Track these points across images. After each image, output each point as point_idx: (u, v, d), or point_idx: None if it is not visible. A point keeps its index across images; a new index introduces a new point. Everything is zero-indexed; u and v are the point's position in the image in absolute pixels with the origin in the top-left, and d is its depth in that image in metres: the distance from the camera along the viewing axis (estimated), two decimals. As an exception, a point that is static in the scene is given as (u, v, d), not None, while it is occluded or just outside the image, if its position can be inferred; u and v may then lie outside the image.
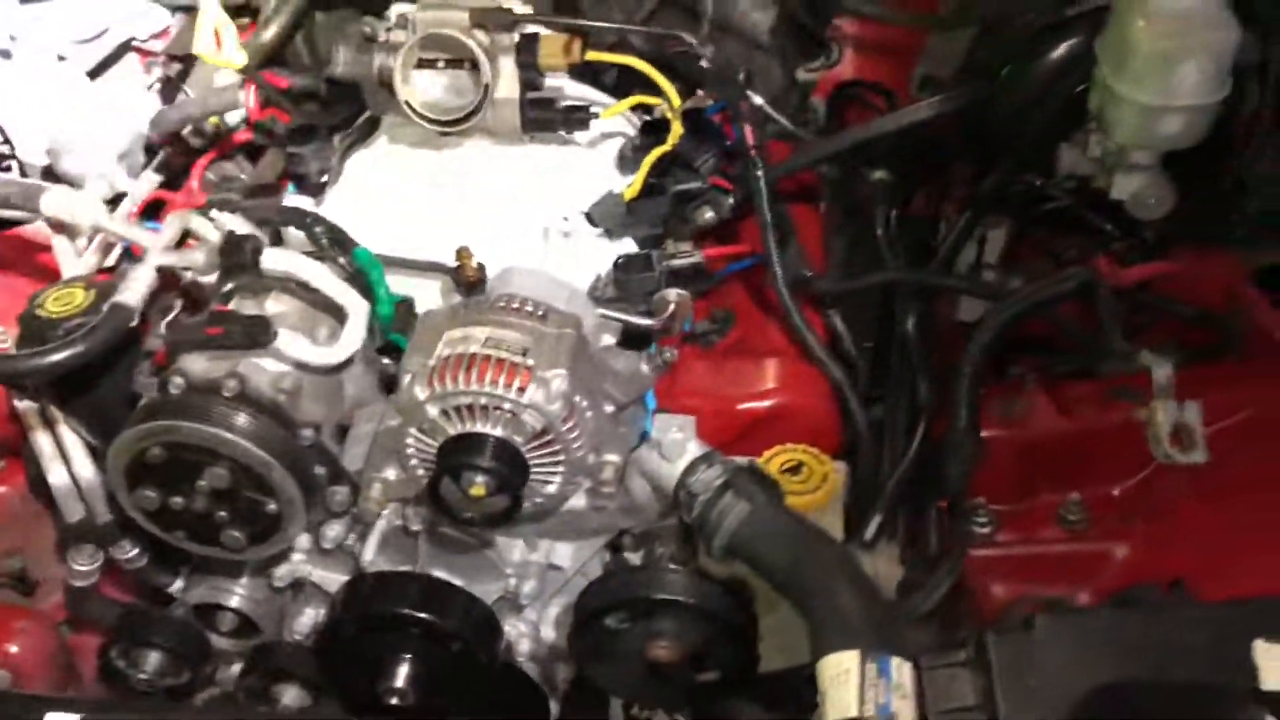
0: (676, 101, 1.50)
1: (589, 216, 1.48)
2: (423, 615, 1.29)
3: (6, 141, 1.66)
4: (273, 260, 1.25)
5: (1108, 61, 1.41)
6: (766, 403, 1.39)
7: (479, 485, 1.18)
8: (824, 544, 1.08)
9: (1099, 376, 1.43)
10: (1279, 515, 1.28)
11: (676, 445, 1.22)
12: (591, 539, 1.44)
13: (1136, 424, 1.40)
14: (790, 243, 1.56)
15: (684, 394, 1.40)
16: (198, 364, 1.23)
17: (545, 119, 1.53)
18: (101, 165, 1.57)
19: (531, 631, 1.43)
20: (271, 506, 1.23)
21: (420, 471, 1.25)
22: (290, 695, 1.47)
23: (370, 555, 1.30)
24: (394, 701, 1.31)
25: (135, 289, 1.20)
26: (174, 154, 1.64)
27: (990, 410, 1.45)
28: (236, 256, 1.22)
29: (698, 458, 1.21)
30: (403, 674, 1.31)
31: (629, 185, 1.48)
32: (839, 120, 1.81)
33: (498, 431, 1.19)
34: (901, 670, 0.94)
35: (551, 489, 1.25)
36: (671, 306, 1.42)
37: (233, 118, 1.63)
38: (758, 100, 1.58)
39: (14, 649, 1.52)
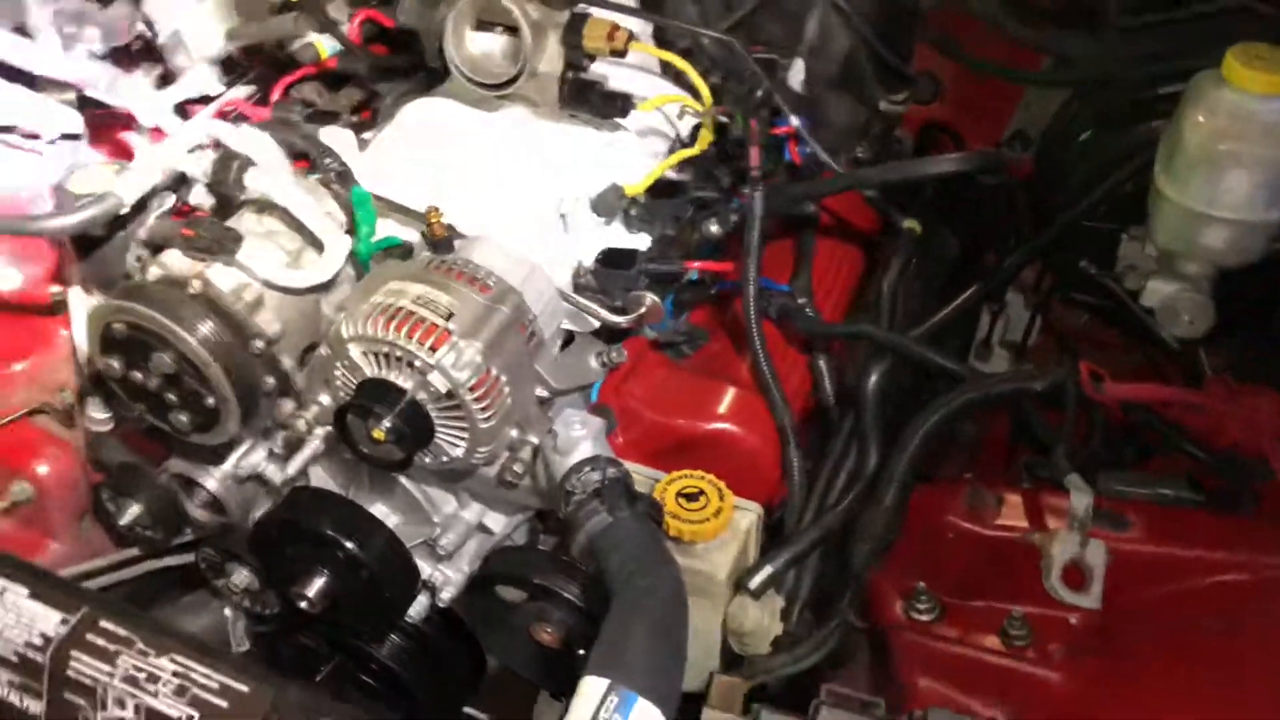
0: (708, 104, 1.48)
1: (591, 204, 1.49)
2: (336, 537, 1.37)
3: (150, 27, 1.83)
4: (254, 181, 1.33)
5: (1161, 154, 1.30)
6: (707, 426, 1.37)
7: (380, 430, 1.23)
8: (655, 575, 1.07)
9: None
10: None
11: (571, 441, 1.23)
12: (519, 512, 1.48)
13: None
14: (801, 274, 1.52)
15: (632, 396, 1.41)
16: (174, 259, 1.34)
17: (584, 99, 1.55)
18: (197, 64, 1.71)
19: (456, 580, 1.48)
20: (210, 401, 1.33)
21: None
22: (240, 576, 1.58)
23: (291, 471, 1.38)
24: (303, 606, 1.40)
25: (133, 181, 1.32)
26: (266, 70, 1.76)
27: (958, 497, 1.37)
28: (221, 171, 1.31)
29: (586, 459, 1.22)
30: (315, 585, 1.39)
31: (637, 182, 1.48)
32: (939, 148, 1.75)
33: (407, 385, 1.24)
34: (643, 714, 0.93)
35: (457, 453, 1.29)
36: (643, 308, 1.42)
37: (330, 44, 1.74)
38: (795, 122, 1.54)
39: (42, 470, 1.73)
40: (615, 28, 1.49)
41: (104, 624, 0.87)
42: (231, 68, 1.77)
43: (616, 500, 1.16)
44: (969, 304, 1.45)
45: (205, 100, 1.73)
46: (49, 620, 0.88)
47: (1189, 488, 1.33)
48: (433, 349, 1.23)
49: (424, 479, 1.44)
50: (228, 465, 1.52)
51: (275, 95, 1.72)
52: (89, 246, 1.39)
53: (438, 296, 1.27)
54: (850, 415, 1.40)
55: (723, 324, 1.51)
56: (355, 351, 1.26)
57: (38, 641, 0.88)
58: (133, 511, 1.56)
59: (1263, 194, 1.21)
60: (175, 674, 0.84)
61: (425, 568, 1.48)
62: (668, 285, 1.45)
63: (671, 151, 1.57)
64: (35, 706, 0.88)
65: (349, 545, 1.36)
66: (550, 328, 1.38)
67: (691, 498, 1.26)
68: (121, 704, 0.84)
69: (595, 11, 1.53)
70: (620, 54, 1.51)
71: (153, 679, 0.84)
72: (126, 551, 1.70)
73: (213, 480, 1.56)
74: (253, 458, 1.50)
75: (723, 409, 1.37)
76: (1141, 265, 1.34)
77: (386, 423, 1.23)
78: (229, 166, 1.33)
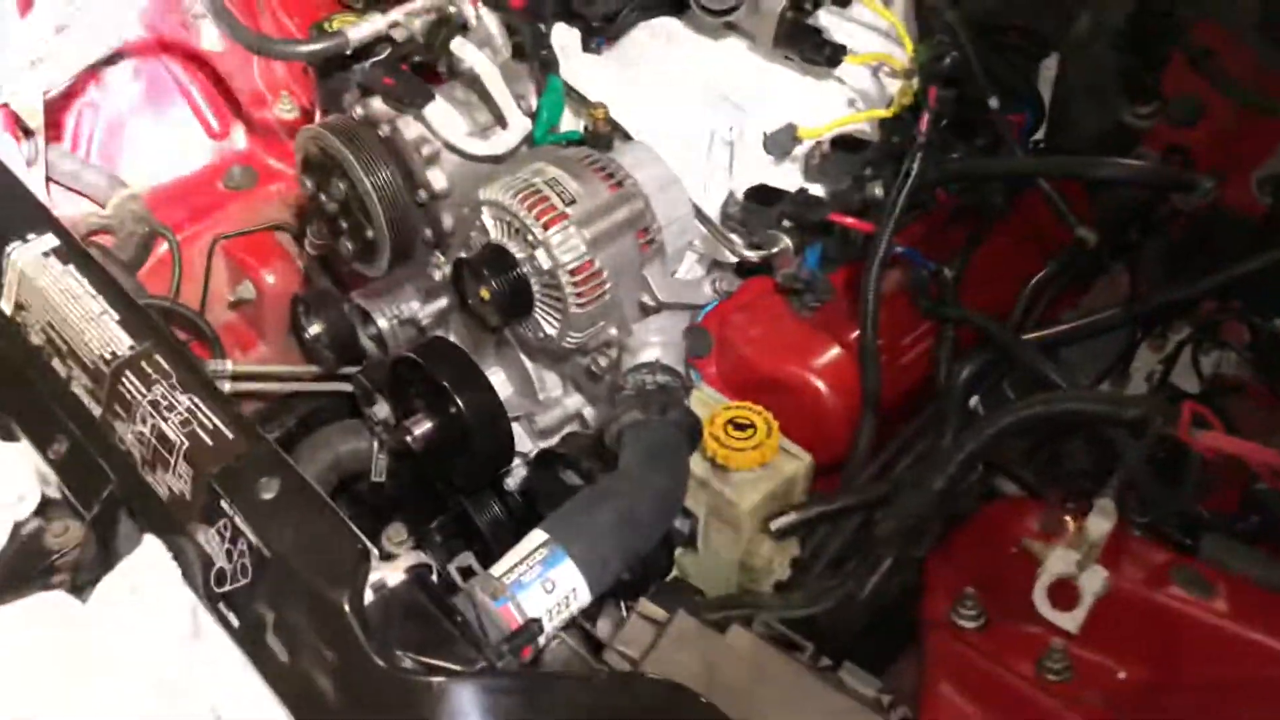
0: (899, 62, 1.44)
1: (765, 139, 1.50)
2: (444, 384, 1.48)
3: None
4: (458, 48, 1.45)
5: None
6: (794, 371, 1.35)
7: (485, 290, 1.33)
8: (647, 474, 1.10)
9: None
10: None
11: (640, 343, 1.27)
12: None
13: (1170, 609, 1.17)
14: (957, 257, 1.45)
15: (735, 327, 1.41)
16: (376, 103, 1.49)
17: (797, 41, 1.55)
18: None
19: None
20: (369, 233, 1.49)
21: (476, 258, 1.42)
22: (381, 408, 1.75)
23: (424, 317, 1.50)
24: (408, 442, 1.54)
25: (362, 29, 1.48)
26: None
27: (1033, 515, 1.28)
28: (431, 34, 1.44)
29: (648, 362, 1.25)
30: (421, 426, 1.52)
31: (812, 129, 1.47)
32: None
33: (519, 255, 1.33)
34: (564, 574, 0.97)
35: (550, 332, 1.36)
36: (775, 248, 1.42)
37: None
38: (994, 104, 1.45)
39: (269, 278, 1.98)
40: (838, -26, 1.49)
41: (156, 357, 1.02)
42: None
43: (653, 404, 1.19)
44: (1109, 324, 1.32)
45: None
46: (122, 343, 1.05)
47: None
48: (545, 226, 1.30)
49: (538, 358, 1.52)
50: (394, 305, 1.69)
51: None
52: (322, 76, 1.58)
53: (568, 183, 1.34)
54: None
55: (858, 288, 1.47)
56: (487, 215, 1.36)
57: (108, 356, 1.04)
58: (315, 329, 1.76)
59: None
60: (187, 409, 0.98)
61: (528, 442, 1.57)
62: (811, 234, 1.43)
63: (868, 109, 1.54)
64: (96, 410, 1.05)
65: (454, 394, 1.47)
66: (676, 242, 1.41)
67: (741, 427, 1.26)
68: (144, 421, 0.99)
69: (829, -41, 1.53)
70: (842, 3, 1.50)
71: (170, 408, 0.98)
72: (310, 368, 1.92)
73: (382, 317, 1.73)
74: (413, 303, 1.65)
75: (815, 361, 1.35)
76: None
77: (492, 284, 1.32)
78: (439, 31, 1.46)
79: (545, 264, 1.31)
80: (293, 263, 2.00)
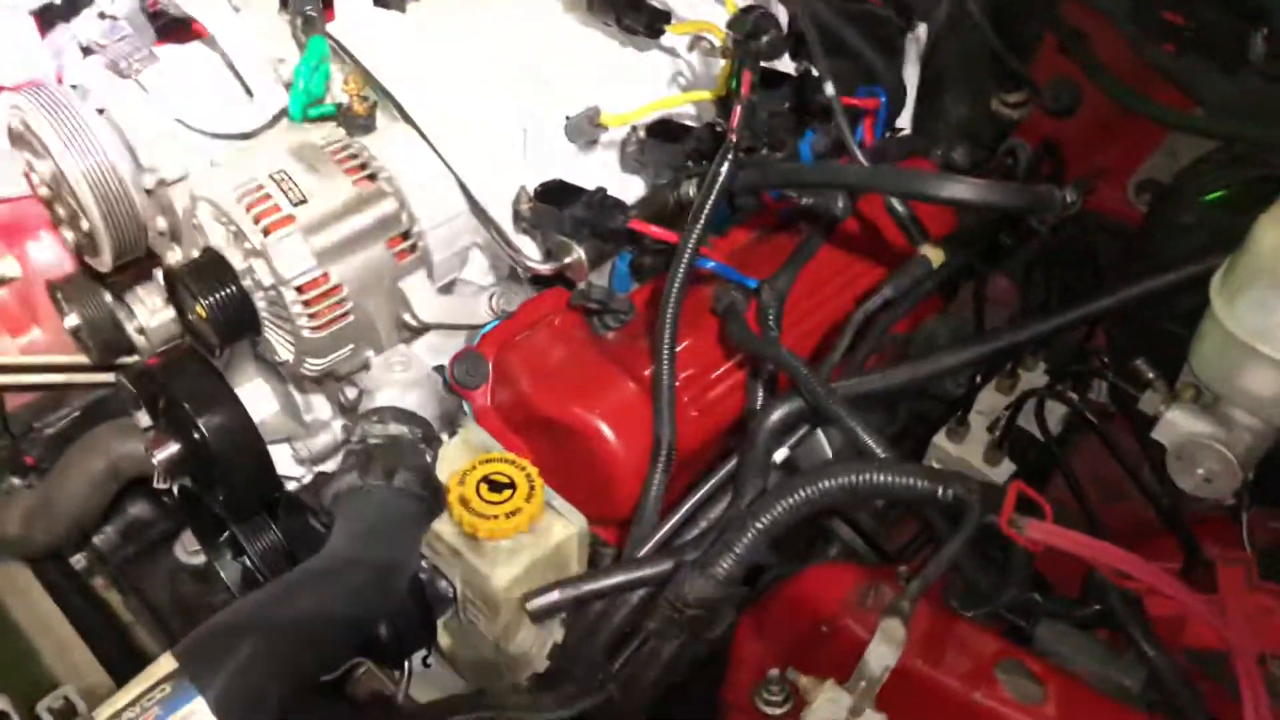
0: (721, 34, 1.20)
1: (566, 125, 1.26)
2: (181, 400, 1.24)
3: None
4: (188, 5, 1.20)
5: (1231, 256, 0.93)
6: (577, 414, 1.12)
7: (198, 307, 1.09)
8: (359, 563, 0.89)
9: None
10: None
11: (377, 381, 1.05)
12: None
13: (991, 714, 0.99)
14: (781, 275, 1.24)
15: (517, 354, 1.18)
16: (94, 65, 1.23)
17: (613, 5, 1.30)
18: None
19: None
20: (85, 225, 1.24)
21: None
22: (142, 417, 1.52)
23: (153, 322, 1.27)
24: (155, 466, 1.30)
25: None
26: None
27: (854, 586, 1.08)
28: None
29: (382, 408, 1.03)
30: (167, 450, 1.28)
31: (620, 114, 1.23)
32: (1036, 175, 1.39)
33: (239, 265, 1.09)
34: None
35: (285, 357, 1.13)
36: (567, 259, 1.19)
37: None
38: (830, 90, 1.23)
39: (37, 254, 1.71)
40: (653, -71, 1.24)
41: None
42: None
43: (375, 465, 0.97)
44: (950, 369, 1.10)
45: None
46: None
47: (1147, 680, 0.98)
48: (265, 232, 1.06)
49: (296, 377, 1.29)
50: (153, 298, 1.44)
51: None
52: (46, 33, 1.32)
53: (301, 178, 1.10)
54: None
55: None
56: (204, 213, 1.12)
57: None
58: (73, 320, 1.52)
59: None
60: None
61: (298, 469, 1.35)
62: (613, 240, 1.21)
63: (692, 89, 1.30)
64: None
65: (194, 418, 1.24)
66: (447, 249, 1.18)
67: (497, 487, 1.04)
68: None
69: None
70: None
71: None
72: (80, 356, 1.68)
73: (143, 310, 1.48)
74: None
75: (601, 401, 1.12)
76: (1182, 393, 0.98)
77: (206, 301, 1.08)
78: (165, -17, 1.20)
79: (266, 278, 1.07)
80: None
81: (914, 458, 1.31)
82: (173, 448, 1.28)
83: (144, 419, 1.48)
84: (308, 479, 1.36)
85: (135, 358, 1.56)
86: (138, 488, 1.67)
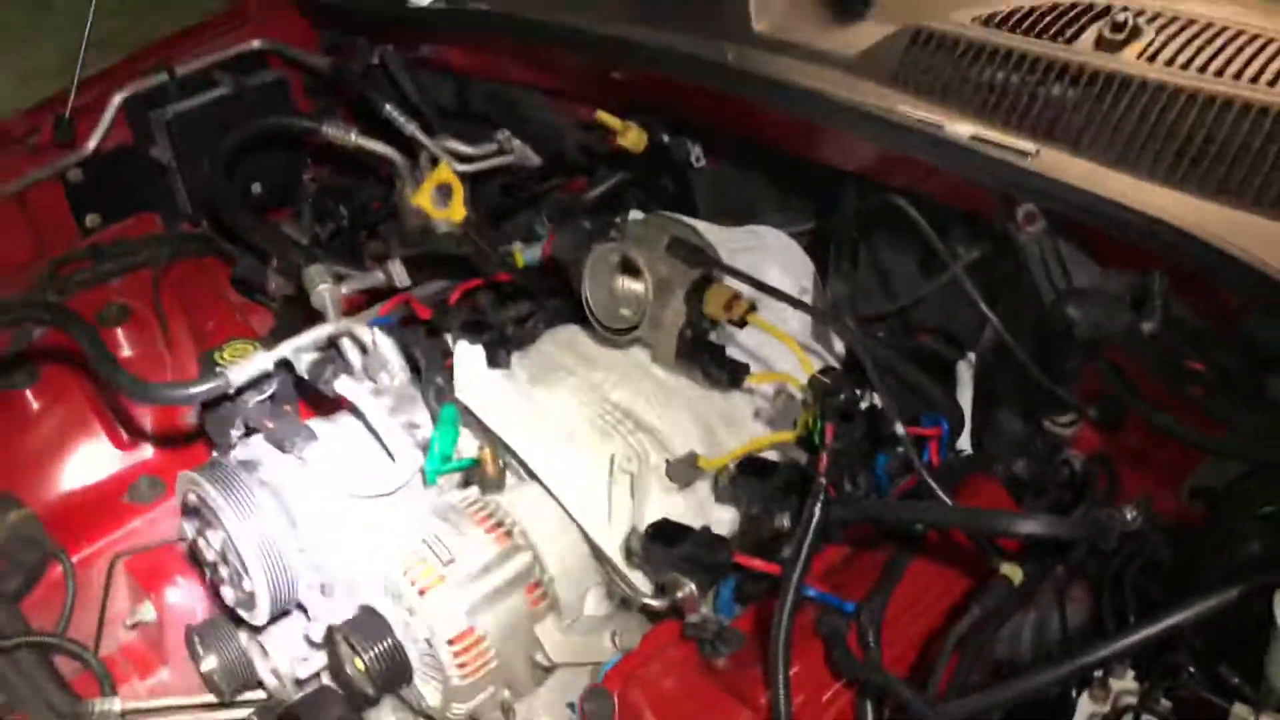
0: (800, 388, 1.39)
1: (667, 468, 1.42)
2: None
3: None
4: (342, 388, 1.40)
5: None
6: None
7: (357, 660, 1.22)
8: None
9: None
10: None
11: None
12: None
13: None
14: (875, 598, 1.34)
15: (639, 688, 1.27)
16: (257, 442, 1.42)
17: (696, 358, 1.50)
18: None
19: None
20: (247, 585, 1.39)
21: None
22: None
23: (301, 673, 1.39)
24: None
25: (246, 369, 1.43)
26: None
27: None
28: (315, 371, 1.39)
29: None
30: None
31: (715, 458, 1.40)
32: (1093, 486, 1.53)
33: (394, 620, 1.22)
34: None
35: (434, 703, 1.25)
36: (681, 594, 1.31)
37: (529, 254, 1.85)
38: (899, 430, 1.37)
39: (172, 599, 1.86)
40: (735, 296, 1.45)
41: None
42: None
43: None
44: (1049, 683, 1.19)
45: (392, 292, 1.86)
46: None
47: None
48: (421, 592, 1.21)
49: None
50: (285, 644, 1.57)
51: (454, 298, 1.83)
52: (208, 410, 1.52)
53: (448, 537, 1.25)
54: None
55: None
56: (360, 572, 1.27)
57: None
58: (209, 663, 1.64)
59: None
60: None
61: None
62: (718, 573, 1.34)
63: (777, 430, 1.47)
64: None
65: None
66: (571, 591, 1.32)
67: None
68: None
69: (728, 280, 1.50)
70: (737, 324, 1.46)
71: None
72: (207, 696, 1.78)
73: (279, 653, 1.61)
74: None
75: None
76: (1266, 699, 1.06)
77: (365, 655, 1.21)
78: (323, 369, 1.41)
79: (421, 633, 1.21)
80: (199, 579, 1.89)
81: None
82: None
83: (274, 758, 1.58)
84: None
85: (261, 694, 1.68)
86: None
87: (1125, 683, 1.23)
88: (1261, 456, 1.23)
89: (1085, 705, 1.25)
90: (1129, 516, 1.20)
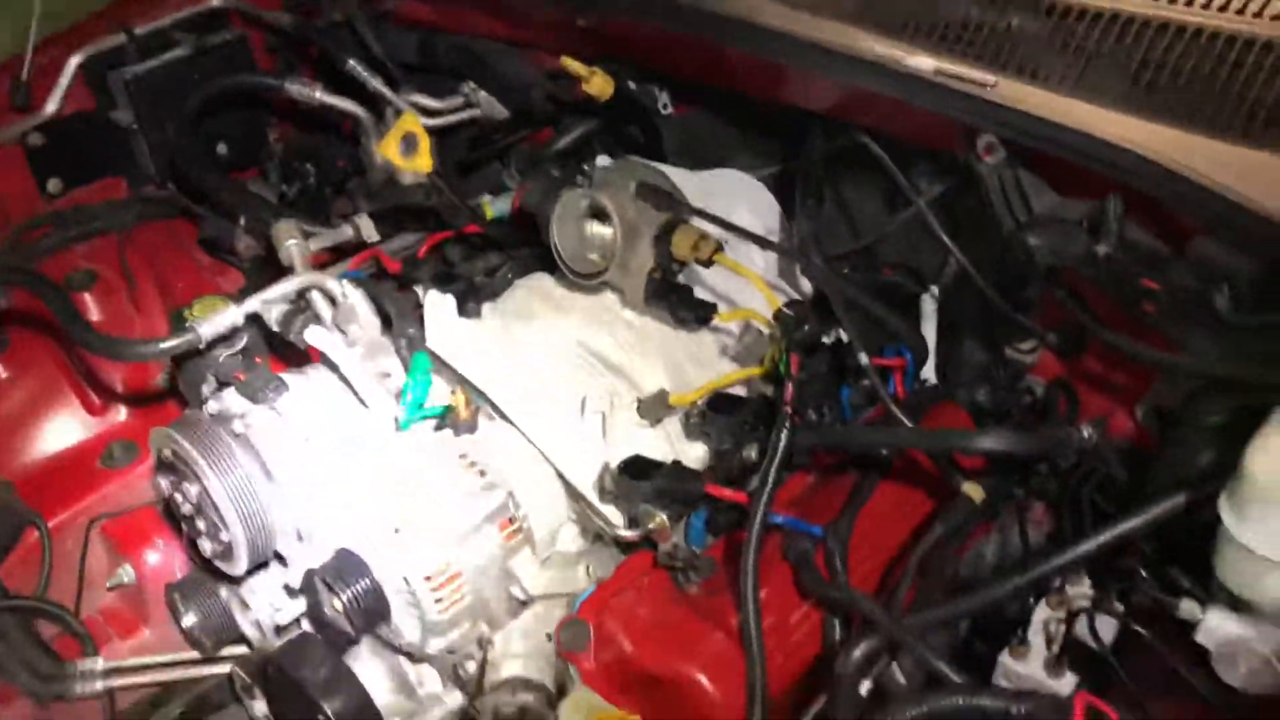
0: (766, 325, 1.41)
1: (639, 406, 1.44)
2: (307, 689, 1.36)
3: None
4: (312, 337, 1.40)
5: (1231, 480, 1.08)
6: (677, 668, 1.24)
7: (335, 600, 1.24)
8: None
9: None
10: None
11: (504, 656, 1.17)
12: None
13: None
14: (842, 521, 1.37)
15: (614, 617, 1.29)
16: (230, 395, 1.43)
17: (665, 299, 1.51)
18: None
19: None
20: (225, 536, 1.40)
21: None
22: (259, 706, 1.62)
23: (282, 619, 1.41)
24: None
25: (216, 323, 1.43)
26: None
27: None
28: (285, 324, 1.40)
29: (509, 680, 1.15)
30: None
31: (685, 394, 1.42)
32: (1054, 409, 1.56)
33: (371, 560, 1.24)
34: None
35: (413, 639, 1.27)
36: (653, 525, 1.34)
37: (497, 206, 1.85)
38: (864, 360, 1.40)
39: (151, 561, 1.87)
40: (703, 237, 1.46)
41: None
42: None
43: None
44: (1008, 595, 1.22)
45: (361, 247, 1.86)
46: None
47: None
48: (395, 531, 1.22)
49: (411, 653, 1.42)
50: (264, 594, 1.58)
51: (423, 250, 1.83)
52: (179, 367, 1.52)
53: (423, 478, 1.27)
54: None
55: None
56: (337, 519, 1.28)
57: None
58: (190, 619, 1.65)
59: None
60: None
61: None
62: (690, 505, 1.36)
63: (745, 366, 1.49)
64: None
65: (321, 704, 1.36)
66: (545, 527, 1.34)
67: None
68: None
69: (695, 221, 1.51)
70: (704, 263, 1.48)
71: None
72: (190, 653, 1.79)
73: (260, 603, 1.62)
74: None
75: (697, 654, 1.25)
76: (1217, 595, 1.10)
77: (344, 595, 1.23)
78: (293, 320, 1.41)
79: (399, 571, 1.22)
80: (176, 541, 1.90)
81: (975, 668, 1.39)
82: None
83: (258, 708, 1.60)
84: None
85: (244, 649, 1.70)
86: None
87: (1081, 588, 1.26)
88: (1211, 371, 1.26)
89: (1042, 610, 1.28)
90: (1085, 434, 1.23)
